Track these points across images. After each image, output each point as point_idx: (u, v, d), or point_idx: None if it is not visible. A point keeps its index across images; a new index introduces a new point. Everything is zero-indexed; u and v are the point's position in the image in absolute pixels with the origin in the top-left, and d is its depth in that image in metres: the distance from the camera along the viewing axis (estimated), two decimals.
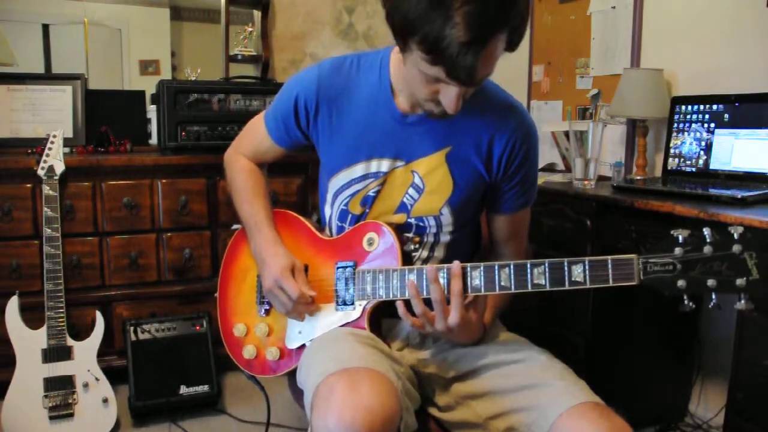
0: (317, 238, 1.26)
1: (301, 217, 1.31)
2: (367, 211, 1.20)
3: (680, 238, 0.91)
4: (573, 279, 0.97)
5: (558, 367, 1.06)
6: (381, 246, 1.15)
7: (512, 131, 1.14)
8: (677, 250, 0.91)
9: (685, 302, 0.92)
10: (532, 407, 0.99)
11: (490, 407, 1.06)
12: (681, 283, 0.91)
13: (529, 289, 1.00)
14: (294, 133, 1.25)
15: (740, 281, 0.89)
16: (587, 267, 0.96)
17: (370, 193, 1.19)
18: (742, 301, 0.89)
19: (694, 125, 1.88)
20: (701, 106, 1.86)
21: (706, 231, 0.90)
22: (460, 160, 1.15)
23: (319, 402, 0.93)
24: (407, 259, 1.16)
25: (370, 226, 1.18)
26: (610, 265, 0.95)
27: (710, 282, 0.90)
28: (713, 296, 0.91)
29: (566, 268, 0.97)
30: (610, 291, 1.41)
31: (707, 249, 0.90)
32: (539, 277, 0.99)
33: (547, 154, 2.54)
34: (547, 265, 0.98)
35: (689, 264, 0.91)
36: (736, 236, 0.89)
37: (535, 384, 1.02)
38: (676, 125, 1.93)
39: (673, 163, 1.94)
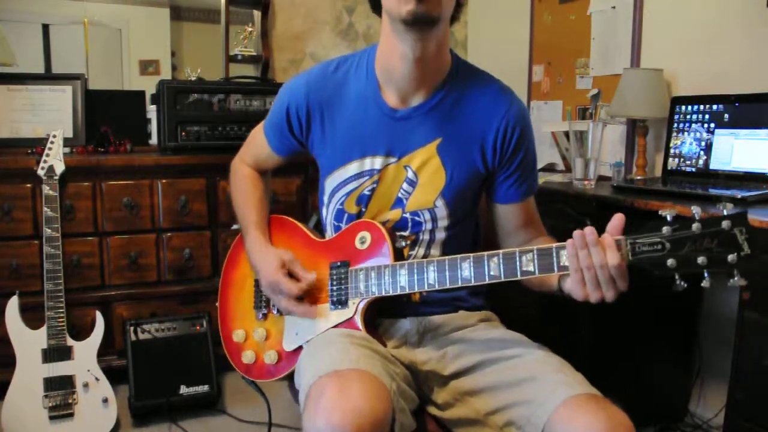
0: (311, 240, 1.27)
1: (295, 221, 1.32)
2: (364, 210, 1.22)
3: (668, 217, 0.89)
4: (561, 264, 0.96)
5: (555, 360, 1.06)
6: (373, 244, 1.16)
7: (503, 115, 1.16)
8: (665, 229, 0.89)
9: (677, 282, 0.89)
10: (530, 400, 0.99)
11: (489, 403, 1.06)
12: (671, 262, 0.88)
13: (519, 276, 0.99)
14: (290, 141, 1.29)
15: (731, 257, 0.86)
16: None
17: (366, 192, 1.20)
18: (736, 278, 0.86)
19: (694, 125, 1.88)
20: (701, 106, 1.86)
21: (695, 209, 0.88)
22: (451, 150, 1.16)
23: (310, 404, 0.93)
24: (399, 255, 1.17)
25: (362, 225, 1.19)
26: None
27: (701, 259, 0.87)
28: (705, 274, 0.88)
29: (554, 253, 0.96)
30: None
31: (696, 226, 0.87)
32: (528, 264, 0.98)
33: (547, 154, 2.54)
34: (535, 251, 0.98)
35: (678, 242, 0.88)
36: (725, 212, 0.87)
37: (533, 377, 1.02)
38: (676, 125, 1.93)
39: (673, 163, 1.94)
